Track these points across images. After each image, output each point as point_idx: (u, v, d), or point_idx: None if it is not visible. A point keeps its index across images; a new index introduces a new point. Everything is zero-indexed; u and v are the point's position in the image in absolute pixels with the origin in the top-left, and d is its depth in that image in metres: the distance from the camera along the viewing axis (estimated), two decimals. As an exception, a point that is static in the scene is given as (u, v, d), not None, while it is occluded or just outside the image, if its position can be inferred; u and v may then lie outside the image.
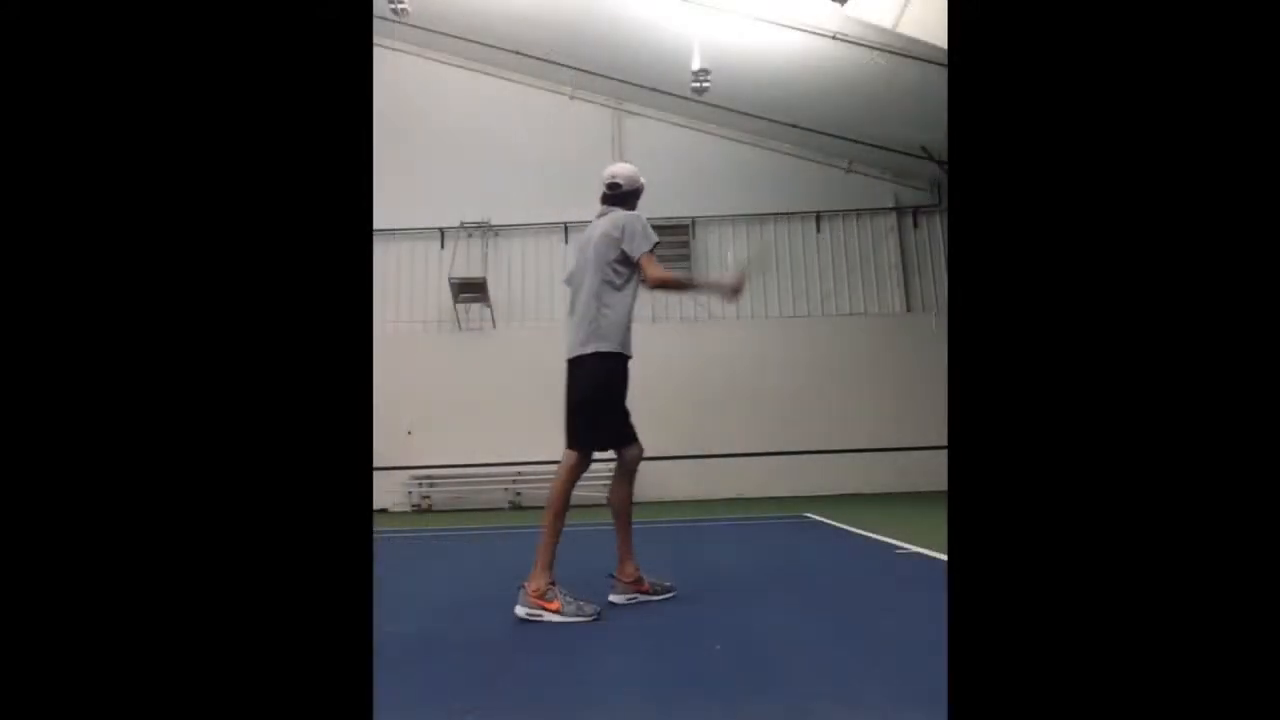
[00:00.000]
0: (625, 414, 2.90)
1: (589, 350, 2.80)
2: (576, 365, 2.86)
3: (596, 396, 2.82)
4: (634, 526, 3.06)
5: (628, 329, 2.86)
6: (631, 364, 2.87)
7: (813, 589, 3.32)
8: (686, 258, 12.74)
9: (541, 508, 2.96)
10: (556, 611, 2.56)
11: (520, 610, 2.60)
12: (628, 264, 2.84)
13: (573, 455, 2.87)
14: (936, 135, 11.18)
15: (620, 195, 3.03)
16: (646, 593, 2.93)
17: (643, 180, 3.11)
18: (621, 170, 3.08)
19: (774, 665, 1.97)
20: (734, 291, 3.16)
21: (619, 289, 2.83)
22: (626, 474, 2.98)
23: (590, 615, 2.58)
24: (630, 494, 3.02)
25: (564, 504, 2.83)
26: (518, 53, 11.92)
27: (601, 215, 2.99)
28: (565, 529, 2.85)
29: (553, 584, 2.62)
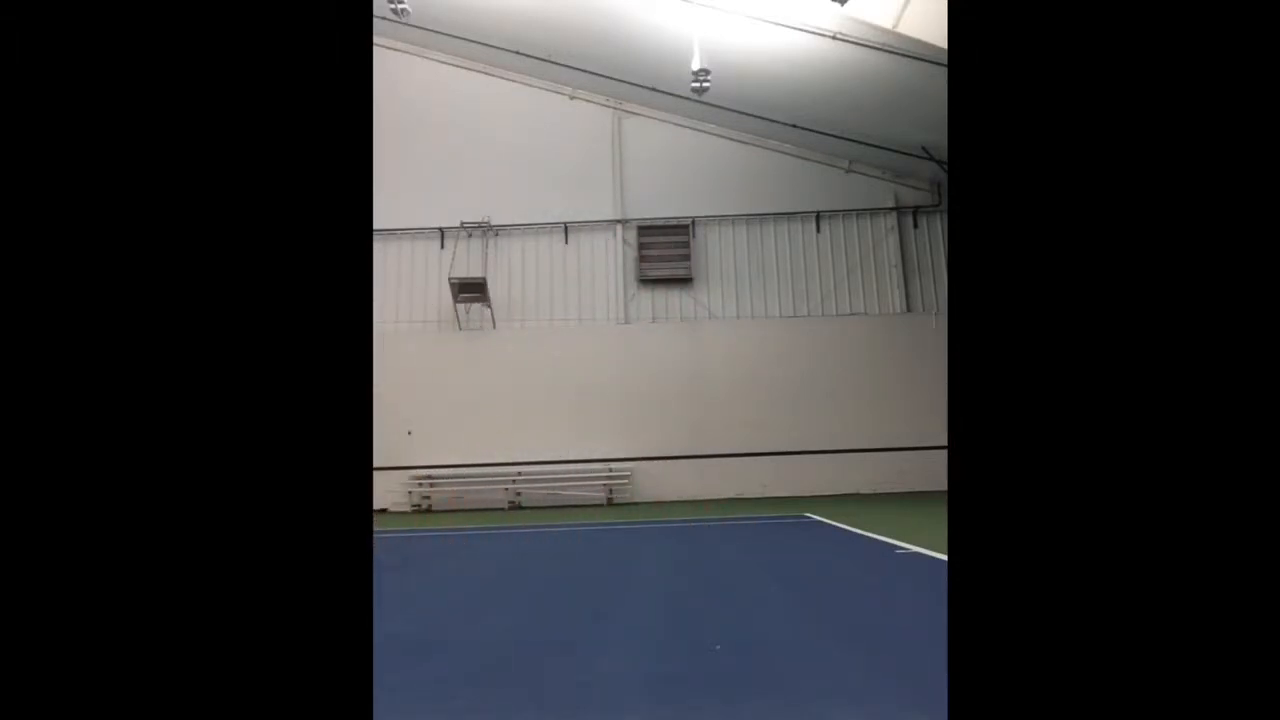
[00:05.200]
0: None
1: None
2: None
3: None
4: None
5: None
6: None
7: (813, 589, 3.32)
8: (686, 258, 12.74)
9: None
10: None
11: None
12: None
13: None
14: (936, 135, 11.17)
15: None
16: None
17: None
18: None
19: (774, 665, 1.97)
20: None
21: None
22: None
23: None
24: None
25: None
26: (518, 53, 11.92)
27: None
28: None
29: None
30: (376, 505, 11.21)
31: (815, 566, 4.14)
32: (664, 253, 12.77)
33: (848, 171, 13.04)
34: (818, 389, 12.15)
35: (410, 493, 11.73)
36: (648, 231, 12.82)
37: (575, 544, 5.88)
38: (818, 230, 12.96)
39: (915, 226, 12.98)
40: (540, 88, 12.98)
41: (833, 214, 12.99)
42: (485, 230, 12.75)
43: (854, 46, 9.80)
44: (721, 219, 12.93)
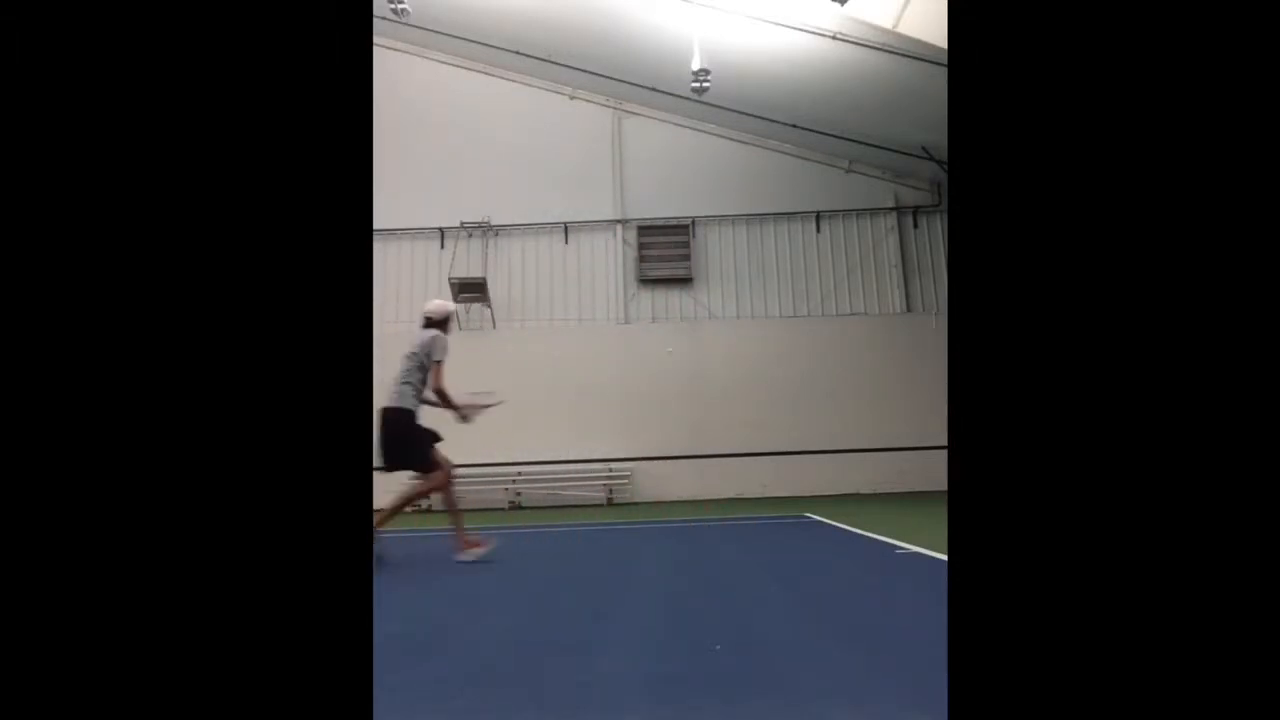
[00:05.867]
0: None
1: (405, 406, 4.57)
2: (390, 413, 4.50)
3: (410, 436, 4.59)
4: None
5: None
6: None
7: (813, 589, 3.32)
8: (686, 258, 12.73)
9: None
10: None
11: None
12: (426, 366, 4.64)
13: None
14: (936, 135, 11.17)
15: (436, 322, 4.81)
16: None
17: (450, 308, 4.98)
18: (431, 307, 4.89)
19: (774, 665, 1.97)
20: (464, 418, 4.96)
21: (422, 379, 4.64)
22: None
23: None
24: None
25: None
26: (518, 53, 11.91)
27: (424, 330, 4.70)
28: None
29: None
30: (376, 505, 11.18)
31: (815, 566, 4.14)
32: (664, 253, 12.77)
33: (848, 171, 13.03)
34: (818, 389, 12.14)
35: (410, 493, 11.71)
36: (648, 231, 12.81)
37: (575, 544, 5.88)
38: (818, 230, 12.95)
39: (915, 226, 12.97)
40: (540, 88, 12.97)
41: (833, 214, 12.98)
42: (485, 230, 12.74)
43: (854, 46, 9.79)
44: (721, 219, 12.92)
